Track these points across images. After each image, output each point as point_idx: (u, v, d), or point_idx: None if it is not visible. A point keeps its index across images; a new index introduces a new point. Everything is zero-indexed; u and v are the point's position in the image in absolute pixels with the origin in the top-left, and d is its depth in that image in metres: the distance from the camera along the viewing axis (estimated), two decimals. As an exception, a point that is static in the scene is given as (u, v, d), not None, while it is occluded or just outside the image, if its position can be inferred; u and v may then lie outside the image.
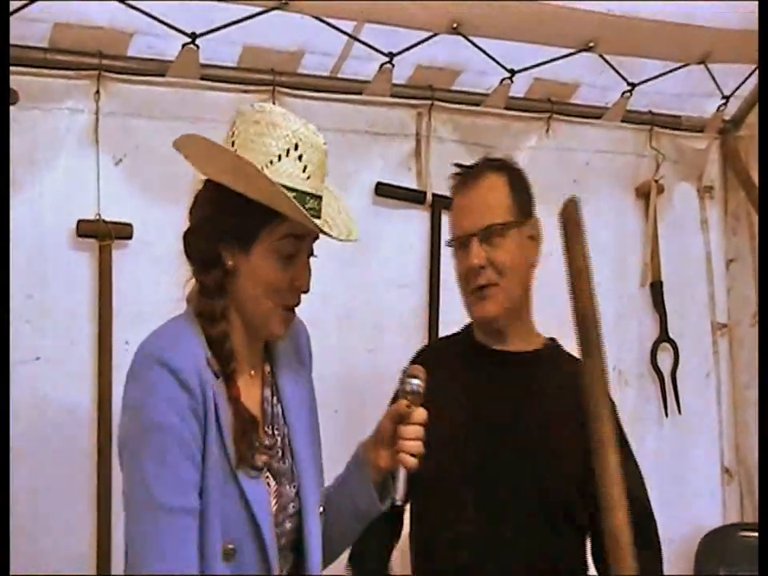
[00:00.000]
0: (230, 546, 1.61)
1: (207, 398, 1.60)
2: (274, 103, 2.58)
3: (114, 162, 2.47)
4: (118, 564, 2.38)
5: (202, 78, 2.52)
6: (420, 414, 1.78)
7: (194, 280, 1.73)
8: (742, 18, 2.98)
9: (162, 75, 2.47)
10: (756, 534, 3.27)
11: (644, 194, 3.26)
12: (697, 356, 3.41)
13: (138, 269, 2.49)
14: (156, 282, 2.48)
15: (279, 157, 1.64)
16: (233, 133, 1.68)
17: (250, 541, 1.64)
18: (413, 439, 1.76)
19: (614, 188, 3.23)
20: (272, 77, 2.59)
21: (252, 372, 1.76)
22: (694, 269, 3.43)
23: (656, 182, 3.24)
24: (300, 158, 1.66)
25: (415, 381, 1.79)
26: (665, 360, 3.33)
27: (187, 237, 1.71)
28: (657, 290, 3.27)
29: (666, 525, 3.29)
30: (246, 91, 2.58)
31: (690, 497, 3.38)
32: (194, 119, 2.52)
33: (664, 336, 3.31)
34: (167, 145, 2.49)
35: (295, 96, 2.63)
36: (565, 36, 2.80)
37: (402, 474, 1.75)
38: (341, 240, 1.75)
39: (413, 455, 1.76)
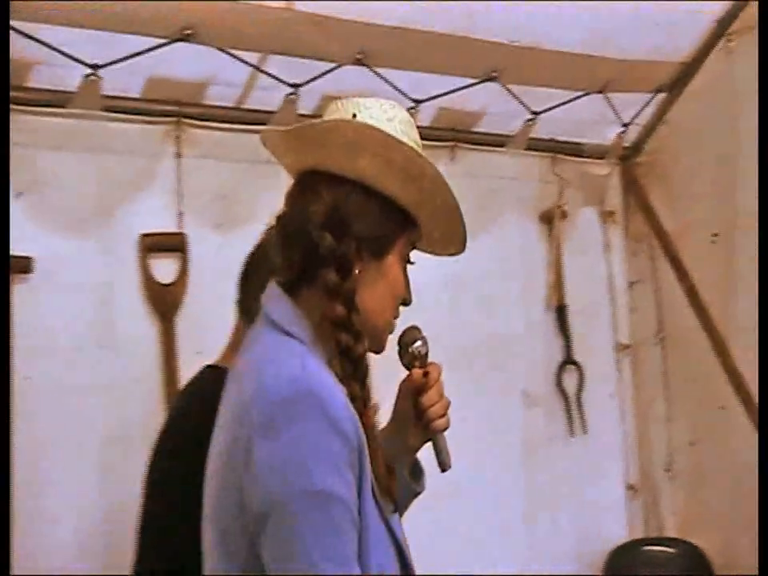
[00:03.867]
0: None
1: (361, 442, 1.40)
2: (179, 135, 2.59)
3: (15, 194, 2.43)
4: None
5: (106, 110, 2.50)
6: (435, 371, 1.68)
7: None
8: (639, 50, 3.09)
9: (64, 107, 2.44)
10: (658, 548, 3.41)
11: (548, 219, 3.34)
12: (601, 376, 3.49)
13: (40, 302, 2.45)
14: (59, 314, 2.46)
15: None
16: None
17: None
18: (438, 402, 1.65)
19: (519, 214, 3.30)
20: (177, 108, 2.58)
21: None
22: (598, 291, 3.52)
23: (559, 207, 3.33)
24: None
25: (418, 343, 1.69)
26: (570, 381, 3.41)
27: (313, 232, 1.48)
28: (561, 313, 3.35)
29: (575, 541, 3.41)
30: (150, 122, 2.57)
31: (597, 513, 3.46)
32: (98, 150, 2.51)
33: (569, 358, 3.38)
34: (71, 176, 2.50)
35: (201, 127, 2.62)
36: (469, 66, 2.86)
37: (441, 439, 1.67)
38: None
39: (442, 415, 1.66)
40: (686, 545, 3.35)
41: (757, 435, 3.02)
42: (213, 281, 2.61)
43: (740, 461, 3.20)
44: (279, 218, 1.56)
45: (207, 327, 2.52)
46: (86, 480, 2.45)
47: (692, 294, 3.27)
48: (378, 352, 1.59)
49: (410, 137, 1.55)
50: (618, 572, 3.36)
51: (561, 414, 3.38)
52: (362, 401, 1.46)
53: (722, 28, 3.16)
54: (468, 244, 3.17)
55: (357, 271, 1.48)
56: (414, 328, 1.73)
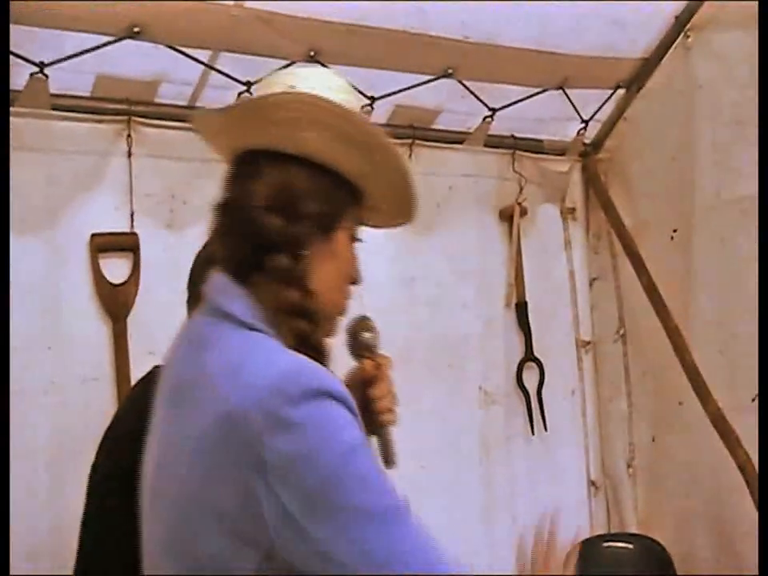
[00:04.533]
0: None
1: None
2: (129, 134, 2.56)
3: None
4: None
5: (55, 108, 2.46)
6: (387, 363, 1.66)
7: None
8: (597, 46, 3.08)
9: (11, 105, 2.40)
10: (619, 544, 3.41)
11: (508, 216, 3.32)
12: (562, 373, 3.49)
13: None
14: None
15: None
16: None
17: None
18: (387, 394, 1.64)
19: (478, 211, 3.27)
20: (127, 106, 2.54)
21: None
22: (559, 288, 3.51)
23: (519, 204, 3.30)
24: None
25: (369, 333, 1.67)
26: (531, 378, 3.40)
27: (260, 215, 1.41)
28: (521, 310, 3.33)
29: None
30: (100, 121, 2.53)
31: (559, 510, 3.45)
32: (47, 150, 2.47)
33: (529, 355, 3.37)
34: (19, 175, 2.45)
35: (152, 126, 2.59)
36: (424, 63, 2.85)
37: (388, 434, 1.65)
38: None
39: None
40: (647, 540, 3.36)
41: (714, 429, 3.06)
42: (164, 281, 2.57)
43: (698, 456, 3.22)
44: (219, 205, 1.49)
45: (159, 327, 2.48)
46: (35, 481, 2.42)
47: (651, 290, 3.27)
48: (328, 336, 1.53)
49: (352, 105, 1.49)
50: (578, 569, 3.36)
51: (521, 411, 3.37)
52: None
53: (680, 25, 3.15)
54: (426, 241, 3.19)
55: (305, 251, 1.42)
56: (365, 318, 1.69)
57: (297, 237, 1.41)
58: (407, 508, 1.35)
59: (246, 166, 1.47)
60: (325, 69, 1.57)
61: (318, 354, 1.41)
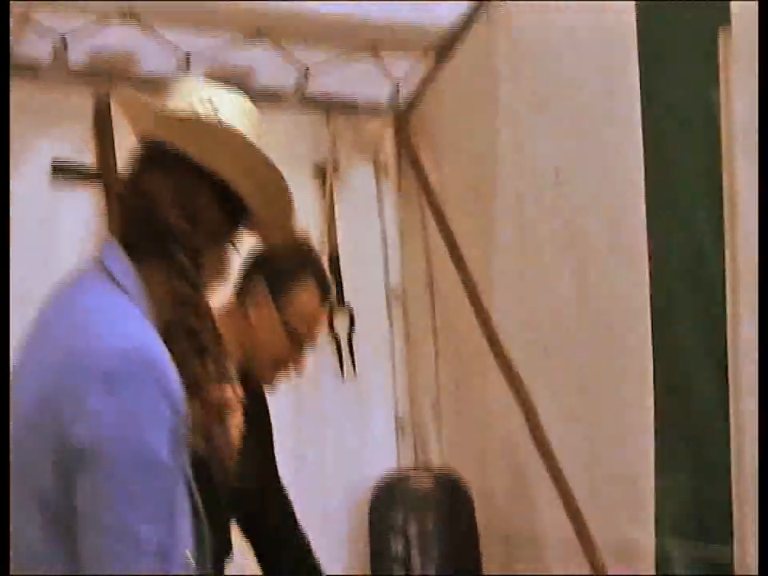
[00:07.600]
0: None
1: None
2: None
3: None
4: None
5: None
6: None
7: None
8: (407, 13, 3.26)
9: None
10: (423, 478, 3.64)
11: (321, 173, 3.49)
12: (373, 320, 3.69)
13: None
14: None
15: None
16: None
17: None
18: None
19: (293, 168, 3.35)
20: None
21: None
22: (371, 240, 3.71)
23: (332, 161, 3.48)
24: None
25: None
26: (343, 325, 3.59)
27: (164, 206, 1.50)
28: (334, 262, 3.52)
29: (346, 479, 3.60)
30: None
31: (368, 450, 3.66)
32: None
33: (340, 303, 3.58)
34: None
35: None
36: (238, 24, 2.98)
37: None
38: None
39: None
40: (449, 476, 3.59)
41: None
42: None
43: (496, 401, 3.46)
44: (127, 185, 1.56)
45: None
46: None
47: (453, 247, 3.46)
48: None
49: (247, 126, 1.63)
50: (381, 504, 3.57)
51: (332, 355, 3.57)
52: (204, 375, 1.49)
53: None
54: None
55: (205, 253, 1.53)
56: None
57: (196, 237, 1.51)
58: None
59: (157, 158, 1.54)
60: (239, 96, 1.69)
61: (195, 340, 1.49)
